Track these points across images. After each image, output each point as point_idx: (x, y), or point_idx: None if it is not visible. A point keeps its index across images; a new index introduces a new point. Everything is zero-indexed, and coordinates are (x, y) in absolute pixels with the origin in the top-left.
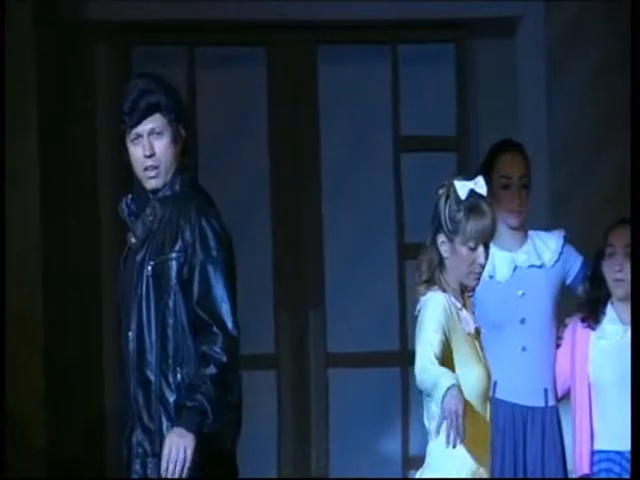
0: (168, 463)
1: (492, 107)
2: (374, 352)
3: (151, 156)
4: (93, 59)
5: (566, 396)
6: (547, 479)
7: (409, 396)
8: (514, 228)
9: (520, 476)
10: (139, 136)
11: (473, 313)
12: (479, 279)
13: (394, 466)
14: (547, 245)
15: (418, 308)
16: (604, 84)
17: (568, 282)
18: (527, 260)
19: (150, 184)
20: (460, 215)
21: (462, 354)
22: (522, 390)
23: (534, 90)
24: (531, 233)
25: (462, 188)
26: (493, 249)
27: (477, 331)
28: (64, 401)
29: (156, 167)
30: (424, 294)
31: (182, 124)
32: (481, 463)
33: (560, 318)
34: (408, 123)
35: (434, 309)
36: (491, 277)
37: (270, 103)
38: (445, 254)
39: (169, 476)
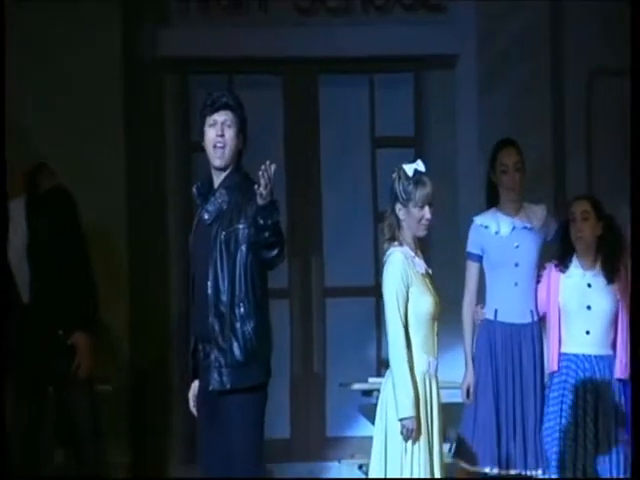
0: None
1: (439, 117)
2: (357, 286)
3: (221, 136)
4: (163, 82)
5: (542, 318)
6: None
7: (381, 318)
8: (513, 200)
9: (517, 376)
10: (215, 122)
11: (423, 260)
12: (427, 229)
13: (371, 365)
14: (535, 214)
15: (384, 259)
16: (523, 102)
17: (548, 239)
18: (522, 223)
19: (217, 162)
20: (410, 187)
21: (417, 287)
22: (516, 313)
23: (469, 106)
24: (524, 204)
25: (410, 169)
26: (499, 214)
27: (427, 272)
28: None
29: (223, 147)
30: (388, 248)
31: (243, 135)
32: (431, 354)
33: (541, 263)
34: (381, 127)
35: (394, 269)
36: (497, 233)
37: (285, 115)
38: (402, 217)
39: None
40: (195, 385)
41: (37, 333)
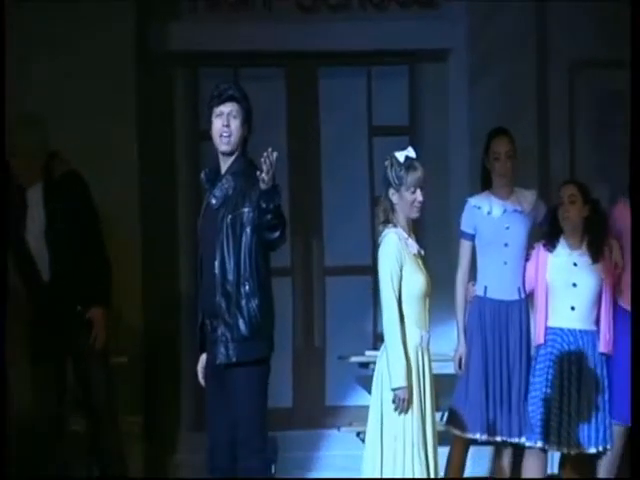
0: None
1: (432, 107)
2: (355, 265)
3: (227, 126)
4: (173, 74)
5: (530, 295)
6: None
7: (377, 295)
8: (505, 185)
9: (505, 349)
10: (222, 113)
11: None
12: (419, 211)
13: (368, 339)
14: (526, 198)
15: (380, 239)
16: (510, 92)
17: (538, 221)
18: (513, 206)
19: (223, 147)
20: (402, 172)
21: (410, 267)
22: (504, 290)
23: (460, 97)
24: (516, 189)
25: (401, 155)
26: (492, 197)
27: (419, 252)
28: (156, 292)
29: (228, 135)
30: (383, 230)
31: (248, 124)
32: (423, 328)
33: (530, 243)
34: (378, 117)
35: (389, 249)
36: (489, 213)
37: (287, 105)
38: (395, 201)
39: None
40: (203, 358)
41: (57, 309)
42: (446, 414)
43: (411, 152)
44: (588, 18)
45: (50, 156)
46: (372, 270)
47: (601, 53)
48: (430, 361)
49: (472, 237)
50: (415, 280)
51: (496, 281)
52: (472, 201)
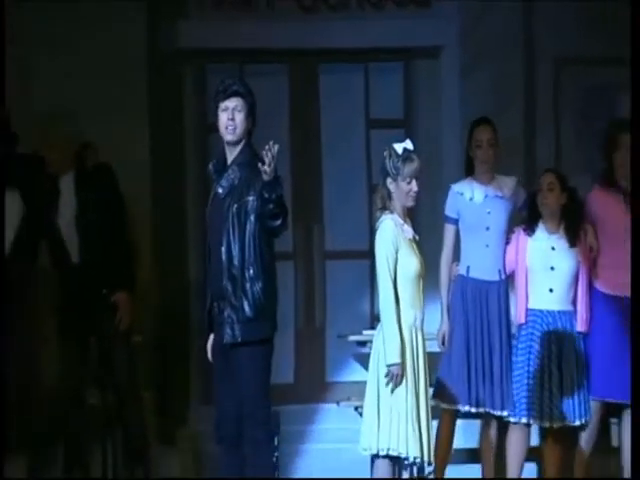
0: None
1: (425, 101)
2: (353, 250)
3: (232, 120)
4: (182, 71)
5: (510, 276)
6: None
7: (374, 278)
8: (486, 172)
9: (485, 326)
10: (227, 108)
11: (411, 226)
12: (414, 200)
13: (365, 319)
14: (506, 184)
15: (377, 225)
16: (499, 87)
17: (518, 206)
18: (494, 191)
19: (228, 137)
20: (399, 163)
21: (405, 251)
22: (485, 271)
23: (451, 91)
24: (497, 175)
25: (399, 147)
26: (474, 183)
27: (414, 237)
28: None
29: (234, 129)
30: (380, 216)
31: (252, 117)
32: (417, 309)
33: (510, 227)
34: (375, 110)
35: (385, 234)
36: (471, 199)
37: (289, 100)
38: (392, 190)
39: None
40: (211, 338)
41: (85, 292)
42: (433, 388)
43: (409, 144)
44: (573, 18)
45: (82, 147)
46: (370, 254)
47: (585, 51)
48: (424, 340)
49: (456, 221)
50: (409, 263)
51: (478, 262)
52: (455, 187)
